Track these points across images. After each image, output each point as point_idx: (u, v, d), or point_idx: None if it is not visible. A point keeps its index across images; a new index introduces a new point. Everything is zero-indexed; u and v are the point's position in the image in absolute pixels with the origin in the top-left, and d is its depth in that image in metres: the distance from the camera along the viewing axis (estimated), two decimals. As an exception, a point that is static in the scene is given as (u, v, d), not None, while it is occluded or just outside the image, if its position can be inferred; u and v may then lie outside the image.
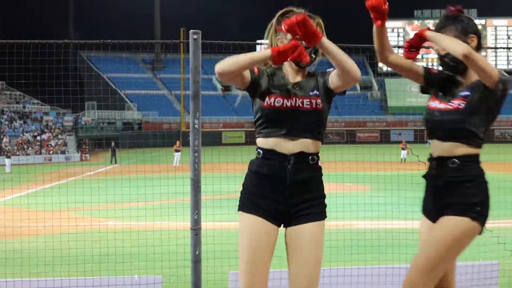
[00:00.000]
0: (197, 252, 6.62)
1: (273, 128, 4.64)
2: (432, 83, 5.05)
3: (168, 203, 15.33)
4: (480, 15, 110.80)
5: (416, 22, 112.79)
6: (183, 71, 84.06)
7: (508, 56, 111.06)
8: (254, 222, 4.64)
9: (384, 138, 77.78)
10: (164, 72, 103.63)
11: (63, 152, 60.98)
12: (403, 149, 43.90)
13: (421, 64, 5.14)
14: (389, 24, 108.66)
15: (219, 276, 8.66)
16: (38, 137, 62.83)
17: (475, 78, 4.74)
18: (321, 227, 4.69)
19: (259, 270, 4.61)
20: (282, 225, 4.71)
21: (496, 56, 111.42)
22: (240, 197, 4.78)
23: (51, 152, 60.88)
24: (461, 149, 4.69)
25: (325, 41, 4.47)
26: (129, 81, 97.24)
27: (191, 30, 6.68)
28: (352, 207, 15.03)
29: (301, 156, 4.62)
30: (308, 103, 4.64)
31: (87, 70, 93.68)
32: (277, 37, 4.79)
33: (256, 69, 4.72)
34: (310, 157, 4.66)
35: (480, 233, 4.75)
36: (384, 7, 4.62)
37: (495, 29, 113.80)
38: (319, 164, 4.75)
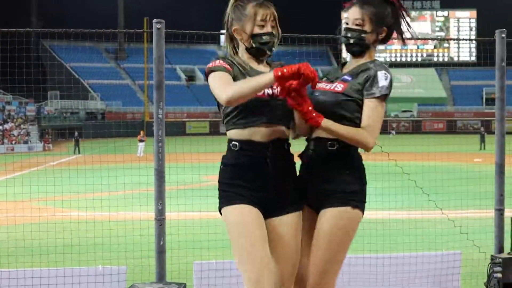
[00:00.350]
0: (161, 243, 6.61)
1: (253, 118, 4.57)
2: None
3: (132, 193, 15.29)
4: (443, 6, 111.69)
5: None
6: (147, 60, 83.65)
7: (470, 48, 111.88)
8: (244, 209, 4.53)
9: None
10: (128, 62, 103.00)
11: (25, 142, 60.40)
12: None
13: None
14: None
15: (183, 266, 8.65)
16: (0, 127, 62.23)
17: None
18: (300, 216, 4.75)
19: (265, 254, 4.48)
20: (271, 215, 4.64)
21: (458, 48, 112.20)
22: (219, 196, 4.69)
23: (13, 142, 60.32)
24: None
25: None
26: (92, 71, 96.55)
27: (155, 20, 6.66)
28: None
29: (279, 142, 4.62)
30: None
31: (50, 59, 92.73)
32: (233, 28, 4.74)
33: (228, 66, 4.64)
34: (286, 144, 4.69)
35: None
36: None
37: (458, 20, 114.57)
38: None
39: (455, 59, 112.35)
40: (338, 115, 4.59)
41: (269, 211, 4.62)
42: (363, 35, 4.74)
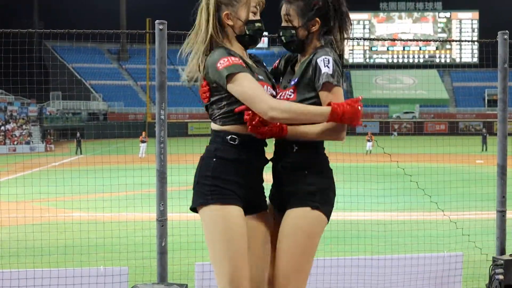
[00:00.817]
0: (163, 244, 6.60)
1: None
2: None
3: (134, 194, 15.27)
4: (445, 8, 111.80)
5: (382, 14, 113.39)
6: (149, 61, 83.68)
7: (472, 49, 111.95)
8: (239, 212, 4.38)
9: (350, 130, 77.66)
10: (130, 63, 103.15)
11: (27, 143, 60.44)
12: (368, 141, 44.08)
13: None
14: (355, 16, 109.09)
15: (185, 267, 8.65)
16: (2, 127, 62.21)
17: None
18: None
19: (244, 257, 4.35)
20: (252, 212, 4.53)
21: (460, 49, 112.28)
22: (206, 191, 4.38)
23: (15, 142, 60.34)
24: None
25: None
26: (94, 72, 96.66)
27: (157, 21, 6.65)
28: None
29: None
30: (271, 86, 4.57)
31: (52, 60, 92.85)
32: (224, 13, 4.46)
33: (244, 64, 4.38)
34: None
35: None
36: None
37: (460, 22, 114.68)
38: None
39: (457, 60, 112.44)
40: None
41: (249, 208, 4.49)
42: (292, 31, 4.53)
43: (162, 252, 6.61)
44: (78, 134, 51.09)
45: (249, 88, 4.25)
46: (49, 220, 14.66)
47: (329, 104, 4.31)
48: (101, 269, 7.06)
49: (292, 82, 4.52)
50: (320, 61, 4.39)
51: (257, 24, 4.49)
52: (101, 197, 18.99)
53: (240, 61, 4.35)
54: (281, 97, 4.52)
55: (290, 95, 4.48)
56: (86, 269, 7.12)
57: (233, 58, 4.33)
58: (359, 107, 4.28)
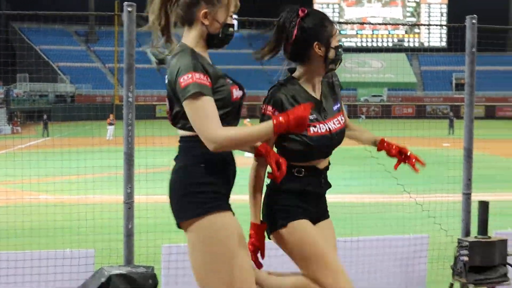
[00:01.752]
0: (129, 226, 6.60)
1: (229, 120, 4.22)
2: None
3: (101, 176, 15.21)
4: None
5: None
6: (117, 44, 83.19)
7: (441, 33, 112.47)
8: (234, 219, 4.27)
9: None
10: (98, 45, 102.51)
11: (-6, 125, 59.93)
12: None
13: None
14: (324, 0, 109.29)
15: (152, 250, 8.63)
16: (-32, 110, 61.61)
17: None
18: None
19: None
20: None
21: (429, 33, 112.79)
22: (204, 196, 4.15)
23: (-19, 124, 59.81)
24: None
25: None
26: (62, 54, 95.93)
27: (126, 3, 6.61)
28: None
29: None
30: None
31: (19, 42, 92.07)
32: (203, 11, 4.23)
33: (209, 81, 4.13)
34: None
35: None
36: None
37: (429, 6, 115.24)
38: None
39: (426, 44, 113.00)
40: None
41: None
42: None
43: (129, 235, 6.61)
44: (45, 117, 50.72)
45: (201, 110, 4.02)
46: (15, 202, 14.55)
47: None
48: (67, 252, 7.03)
49: (335, 107, 4.77)
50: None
51: (231, 30, 4.34)
52: (68, 179, 18.91)
53: (207, 79, 4.10)
54: (335, 125, 4.71)
55: (342, 120, 4.78)
56: (52, 252, 7.08)
57: (200, 75, 4.06)
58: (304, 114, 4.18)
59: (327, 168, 4.78)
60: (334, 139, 4.67)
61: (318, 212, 4.77)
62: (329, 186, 4.83)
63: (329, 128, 4.63)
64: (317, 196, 4.73)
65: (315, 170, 4.65)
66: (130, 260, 6.61)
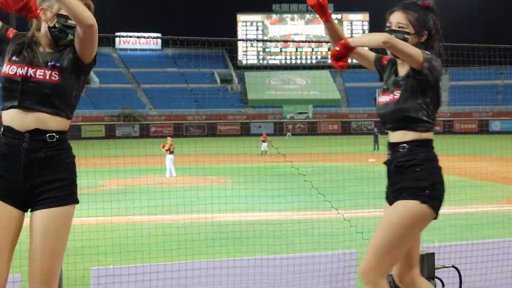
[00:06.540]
0: (56, 249, 6.48)
1: (8, 100, 4.29)
2: (382, 74, 5.27)
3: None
4: (337, 9, 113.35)
5: (275, 16, 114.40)
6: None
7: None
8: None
9: (245, 131, 78.31)
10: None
11: None
12: (263, 141, 44.33)
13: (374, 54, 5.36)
14: (248, 18, 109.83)
15: (80, 272, 8.52)
16: None
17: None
18: (64, 212, 4.42)
19: (2, 258, 4.44)
20: (30, 210, 4.43)
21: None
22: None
23: None
24: (409, 135, 4.86)
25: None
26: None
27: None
28: (214, 199, 15.08)
29: (37, 133, 4.31)
30: (42, 73, 4.32)
31: None
32: (40, 7, 4.37)
33: (12, 32, 4.43)
34: (48, 135, 4.36)
35: (435, 217, 4.87)
36: (321, 2, 4.87)
37: (351, 23, 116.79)
38: (66, 142, 4.54)
39: (349, 61, 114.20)
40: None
41: (29, 206, 4.42)
42: (406, 36, 4.94)
43: (56, 258, 6.48)
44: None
45: None
46: None
47: None
48: (-8, 277, 6.86)
49: (399, 83, 4.96)
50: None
51: (70, 21, 4.36)
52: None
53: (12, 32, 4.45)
54: (390, 97, 4.96)
55: (395, 95, 4.93)
56: (-24, 278, 6.90)
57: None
58: None
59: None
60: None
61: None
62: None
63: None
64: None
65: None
66: (59, 284, 6.50)
